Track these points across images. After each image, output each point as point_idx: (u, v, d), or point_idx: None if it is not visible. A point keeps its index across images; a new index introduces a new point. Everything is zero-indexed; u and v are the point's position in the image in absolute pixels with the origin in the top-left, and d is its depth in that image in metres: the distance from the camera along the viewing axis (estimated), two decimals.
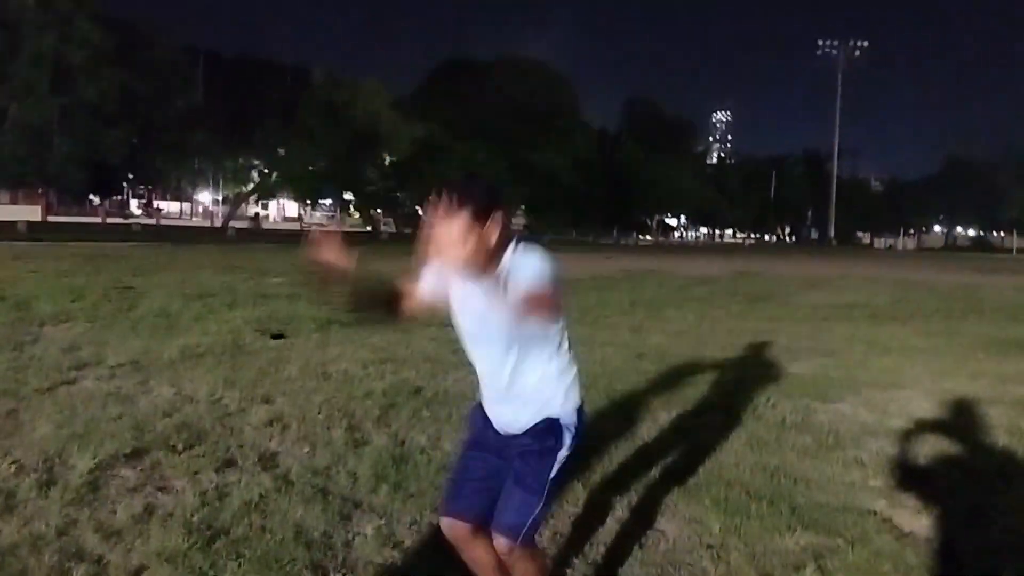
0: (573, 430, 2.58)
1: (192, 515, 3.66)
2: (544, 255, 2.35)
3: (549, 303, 2.26)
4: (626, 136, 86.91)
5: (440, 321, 10.36)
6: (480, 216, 2.30)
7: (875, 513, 4.02)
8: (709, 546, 3.54)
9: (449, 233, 2.30)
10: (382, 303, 2.68)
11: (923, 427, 5.74)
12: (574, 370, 2.62)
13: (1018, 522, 3.95)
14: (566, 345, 2.59)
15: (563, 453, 2.56)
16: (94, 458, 4.33)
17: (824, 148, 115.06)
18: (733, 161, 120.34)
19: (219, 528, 3.52)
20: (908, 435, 5.52)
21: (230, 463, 4.43)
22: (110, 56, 35.15)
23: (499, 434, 2.62)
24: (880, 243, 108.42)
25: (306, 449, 4.74)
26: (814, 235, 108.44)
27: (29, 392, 5.83)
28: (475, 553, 2.64)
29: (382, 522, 3.67)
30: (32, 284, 12.65)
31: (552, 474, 2.55)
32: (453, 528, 2.62)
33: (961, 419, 6.04)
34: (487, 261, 2.35)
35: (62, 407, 5.47)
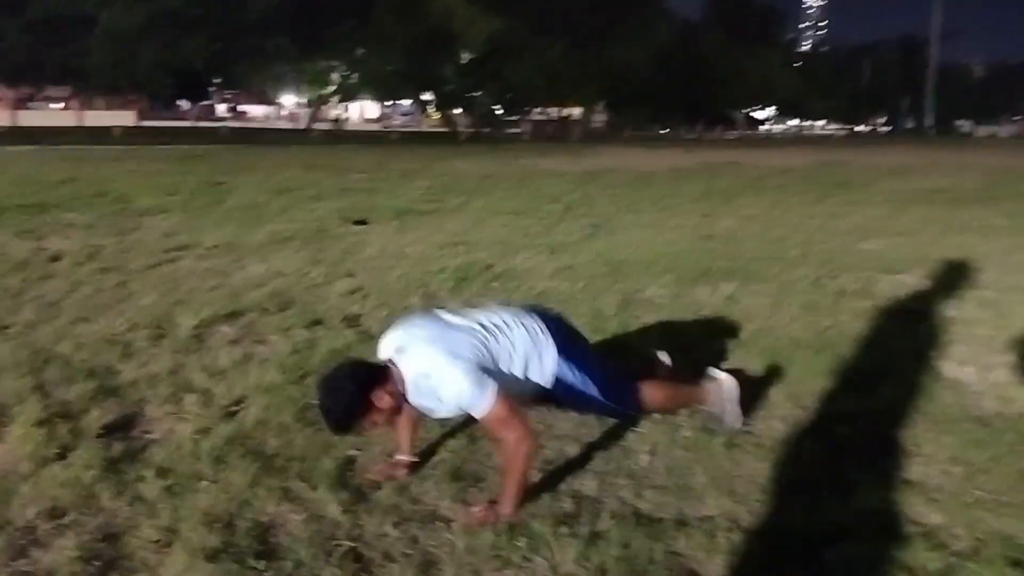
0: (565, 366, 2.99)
1: (286, 359, 4.11)
2: (435, 364, 2.61)
3: (505, 417, 2.57)
4: (711, 25, 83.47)
5: (513, 209, 10.73)
6: (366, 409, 2.59)
7: (922, 363, 4.19)
8: (752, 393, 3.80)
9: (367, 431, 2.79)
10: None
11: (985, 293, 5.80)
12: (533, 348, 2.94)
13: None
14: (516, 349, 2.88)
15: (573, 377, 3.00)
16: (197, 317, 4.83)
17: (923, 32, 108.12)
18: (826, 49, 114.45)
19: (309, 369, 3.95)
20: (969, 300, 5.61)
21: (317, 322, 4.88)
22: None
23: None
24: (982, 131, 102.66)
25: (385, 312, 5.14)
26: (910, 124, 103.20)
27: (135, 268, 6.42)
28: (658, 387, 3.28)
29: None
30: (131, 182, 13.42)
31: (583, 388, 3.02)
32: None
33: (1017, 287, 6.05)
34: (399, 408, 2.70)
35: (165, 280, 6.03)
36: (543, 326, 3.00)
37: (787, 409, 3.55)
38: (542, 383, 2.95)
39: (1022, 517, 2.61)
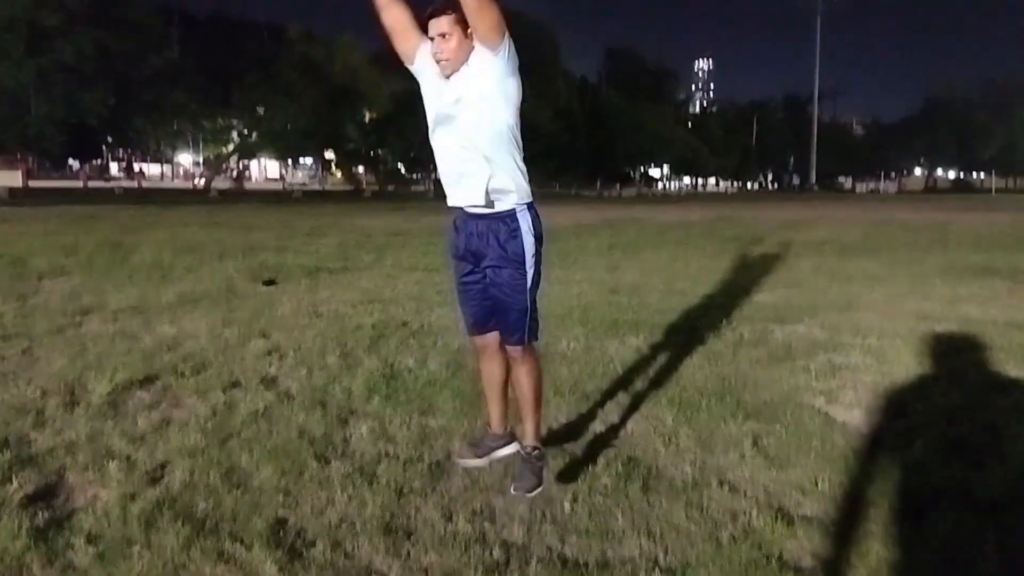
0: (531, 226, 3.11)
1: (206, 423, 4.12)
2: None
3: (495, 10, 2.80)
4: (607, 85, 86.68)
5: (425, 266, 10.87)
6: (461, 22, 2.88)
7: (813, 407, 4.53)
8: (662, 433, 4.04)
9: (439, 31, 2.91)
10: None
11: (868, 340, 6.26)
12: (523, 170, 3.12)
13: (937, 413, 4.47)
14: (516, 148, 3.09)
15: (530, 260, 3.09)
16: (111, 382, 4.77)
17: (805, 92, 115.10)
18: (715, 109, 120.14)
19: (230, 431, 3.98)
20: (853, 347, 6.04)
21: (235, 384, 4.88)
22: (85, 16, 34.78)
23: (466, 226, 3.13)
24: (862, 187, 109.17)
25: (303, 372, 5.19)
26: (796, 181, 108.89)
27: (40, 334, 6.24)
28: (490, 366, 3.30)
29: (375, 423, 4.14)
30: (24, 243, 12.96)
31: (529, 282, 3.10)
32: (482, 340, 3.27)
33: (905, 333, 6.54)
34: (459, 58, 2.94)
35: (73, 344, 5.89)
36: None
37: (695, 453, 3.78)
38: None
39: (910, 548, 2.87)
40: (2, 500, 3.13)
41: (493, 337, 3.23)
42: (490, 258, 3.08)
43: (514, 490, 3.14)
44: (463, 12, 2.81)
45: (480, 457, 3.34)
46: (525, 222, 3.08)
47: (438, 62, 2.97)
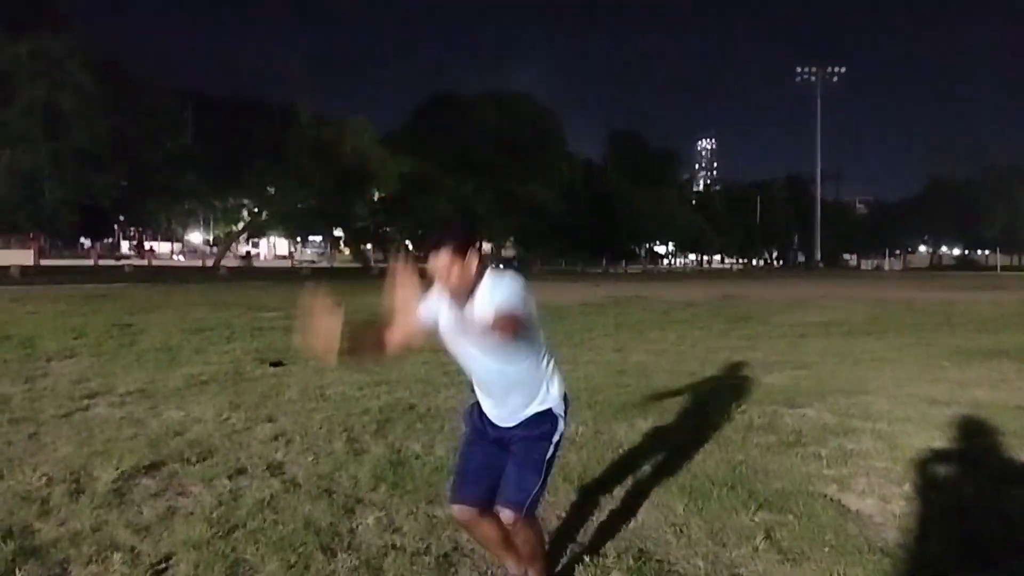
0: (563, 414, 3.11)
1: (211, 512, 4.08)
2: (513, 277, 2.90)
3: (515, 322, 2.73)
4: (611, 167, 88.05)
5: (432, 346, 10.86)
6: (460, 250, 2.85)
7: (825, 496, 4.47)
8: (673, 524, 3.98)
9: (437, 264, 2.86)
10: (374, 343, 3.10)
11: (879, 425, 6.21)
12: (554, 364, 3.11)
13: (950, 505, 4.41)
14: (543, 347, 3.07)
15: (556, 436, 3.08)
16: (116, 469, 4.74)
17: (807, 172, 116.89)
18: (719, 188, 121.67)
19: (236, 522, 3.94)
20: (864, 432, 5.99)
21: (241, 471, 4.85)
22: (101, 101, 35.74)
23: (496, 426, 3.10)
24: (867, 264, 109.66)
25: (310, 458, 5.16)
26: (801, 258, 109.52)
27: (47, 418, 6.24)
28: (483, 531, 3.11)
29: (382, 513, 4.10)
30: (33, 324, 13.04)
31: (548, 455, 3.04)
32: (462, 512, 3.07)
33: (916, 418, 6.49)
34: (468, 287, 2.90)
35: (80, 429, 5.88)
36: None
37: (708, 546, 3.72)
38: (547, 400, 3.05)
39: None
40: None
41: (474, 510, 3.05)
42: (518, 436, 3.07)
43: None
44: (455, 240, 2.85)
45: None
46: (560, 415, 3.09)
47: (446, 291, 2.96)
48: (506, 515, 2.95)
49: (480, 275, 2.90)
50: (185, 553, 3.55)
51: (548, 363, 3.09)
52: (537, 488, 2.99)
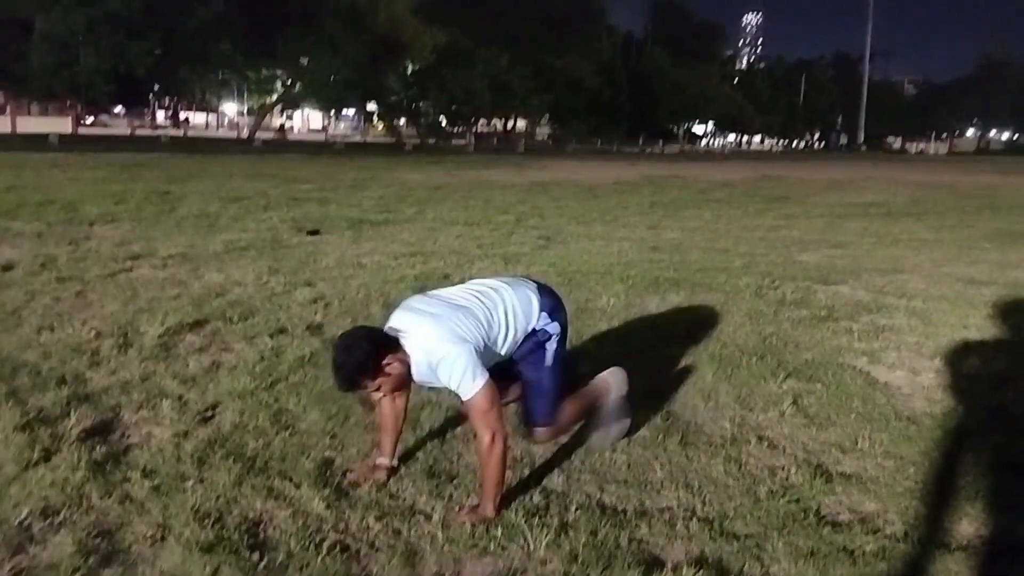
0: (549, 323, 3.06)
1: (254, 366, 4.23)
2: (440, 344, 2.70)
3: (487, 405, 2.69)
4: (652, 41, 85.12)
5: (465, 220, 10.93)
6: (375, 372, 2.69)
7: (855, 367, 4.51)
8: (701, 389, 4.07)
9: (371, 395, 2.89)
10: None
11: (913, 302, 6.19)
12: (527, 297, 3.05)
13: (981, 379, 4.44)
14: (508, 307, 2.98)
15: (551, 344, 3.07)
16: (162, 326, 4.90)
17: (856, 50, 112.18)
18: (763, 65, 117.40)
19: (278, 376, 4.09)
20: (897, 309, 5.97)
21: (282, 330, 4.99)
22: None
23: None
24: (912, 148, 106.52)
25: (348, 320, 5.27)
26: (844, 140, 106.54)
27: (92, 277, 6.42)
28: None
29: None
30: (74, 190, 13.23)
31: (549, 362, 3.06)
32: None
33: (952, 296, 6.45)
34: (404, 379, 2.81)
35: (124, 289, 6.05)
36: (536, 289, 3.13)
37: (735, 410, 3.80)
38: (530, 327, 3.04)
39: (948, 504, 2.89)
40: (62, 434, 3.26)
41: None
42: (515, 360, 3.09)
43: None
44: (365, 370, 2.68)
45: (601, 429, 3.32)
46: (544, 327, 3.06)
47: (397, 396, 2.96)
48: (540, 433, 3.09)
49: (405, 357, 2.75)
50: (231, 402, 3.71)
51: (520, 315, 3.00)
52: (554, 396, 3.05)
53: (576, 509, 2.80)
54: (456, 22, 56.55)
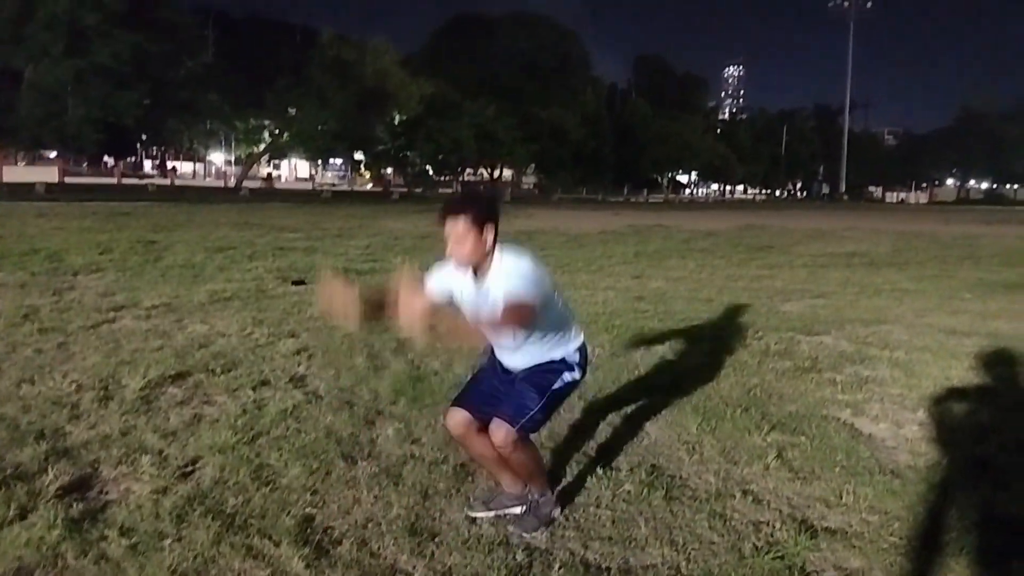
0: (577, 363, 3.13)
1: (236, 420, 4.19)
2: (524, 258, 2.89)
3: (524, 312, 2.74)
4: (636, 92, 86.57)
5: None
6: (479, 222, 2.82)
7: (838, 419, 4.52)
8: (686, 442, 4.06)
9: (454, 231, 2.83)
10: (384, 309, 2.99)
11: (896, 353, 6.22)
12: (572, 323, 3.14)
13: (965, 430, 4.45)
14: (560, 304, 3.10)
15: (567, 375, 3.10)
16: (143, 378, 4.86)
17: (836, 102, 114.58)
18: (745, 116, 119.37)
19: (260, 430, 4.05)
20: (881, 360, 6.00)
21: (264, 383, 4.96)
22: (123, 17, 35.35)
23: (508, 369, 3.15)
24: (892, 197, 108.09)
25: (331, 372, 5.26)
26: (825, 190, 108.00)
27: (75, 329, 6.37)
28: (476, 447, 3.13)
29: (401, 425, 4.19)
30: (60, 239, 13.19)
31: (555, 386, 3.06)
32: (458, 421, 3.10)
33: (934, 347, 6.49)
34: (482, 259, 2.89)
35: (107, 340, 6.01)
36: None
37: (719, 463, 3.79)
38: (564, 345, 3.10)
39: (934, 561, 2.87)
40: (38, 490, 3.21)
41: (470, 419, 3.09)
42: (526, 372, 3.10)
43: (512, 528, 3.08)
44: (476, 210, 2.82)
45: (491, 510, 3.22)
46: (574, 363, 3.12)
47: (456, 262, 2.94)
48: (499, 432, 2.93)
49: (493, 251, 2.89)
50: (211, 457, 3.67)
51: (564, 324, 3.11)
52: (535, 410, 2.98)
53: (560, 568, 2.77)
54: (443, 73, 57.46)
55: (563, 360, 3.09)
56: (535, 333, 2.99)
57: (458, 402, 3.16)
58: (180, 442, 3.87)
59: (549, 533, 3.05)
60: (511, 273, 2.82)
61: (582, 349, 3.15)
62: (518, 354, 3.08)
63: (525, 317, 2.75)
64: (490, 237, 2.85)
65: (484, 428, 3.04)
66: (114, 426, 4.06)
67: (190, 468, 3.56)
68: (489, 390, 3.13)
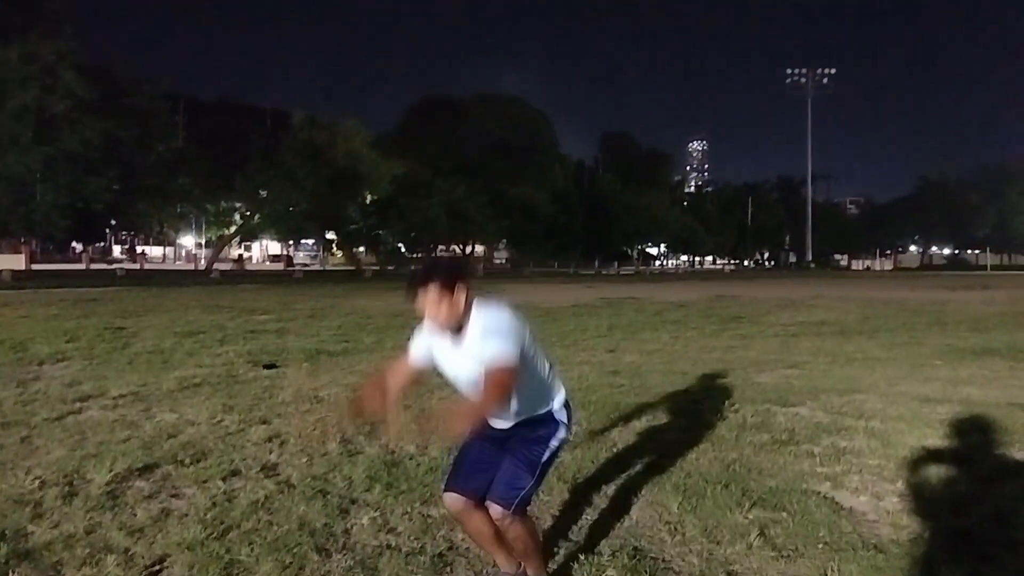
0: (565, 420, 3.16)
1: (205, 514, 4.07)
2: (502, 313, 2.94)
3: (505, 381, 2.76)
4: (603, 169, 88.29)
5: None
6: (448, 287, 2.87)
7: (819, 493, 4.48)
8: (668, 522, 3.99)
9: (426, 301, 2.88)
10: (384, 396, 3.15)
11: (872, 423, 6.23)
12: (554, 376, 3.17)
13: (944, 502, 4.44)
14: (541, 361, 3.11)
15: (554, 442, 3.12)
16: (110, 472, 4.72)
17: (798, 174, 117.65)
18: (710, 189, 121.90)
19: (231, 523, 3.93)
20: (857, 431, 6.01)
21: (235, 473, 4.84)
22: (92, 105, 35.64)
23: (494, 428, 3.12)
24: (858, 264, 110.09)
25: (304, 459, 5.15)
26: (792, 259, 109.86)
27: (39, 421, 6.21)
28: (475, 524, 3.12)
29: (377, 514, 4.09)
30: (25, 328, 12.99)
31: (544, 458, 3.08)
32: (455, 502, 3.10)
33: (908, 416, 6.52)
34: (458, 322, 2.93)
35: (72, 432, 5.85)
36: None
37: (702, 544, 3.73)
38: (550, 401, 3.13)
39: None
40: None
41: (467, 500, 3.08)
42: (517, 435, 3.10)
43: None
44: (443, 275, 2.87)
45: None
46: (561, 420, 3.14)
47: (436, 327, 2.98)
48: (495, 510, 2.97)
49: (468, 308, 2.93)
50: (179, 554, 3.55)
51: (547, 377, 3.14)
52: (529, 487, 3.01)
53: None
54: (413, 154, 58.29)
55: (550, 414, 3.10)
56: (519, 388, 2.95)
57: (452, 482, 3.14)
58: (147, 539, 3.74)
59: None
60: (488, 328, 2.86)
61: (567, 404, 3.19)
62: (505, 417, 3.07)
63: (507, 386, 2.76)
64: (462, 296, 2.89)
65: (480, 502, 3.04)
66: (79, 524, 3.92)
67: (157, 567, 3.43)
68: (481, 458, 3.11)
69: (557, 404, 3.13)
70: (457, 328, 2.93)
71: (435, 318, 2.90)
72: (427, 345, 3.09)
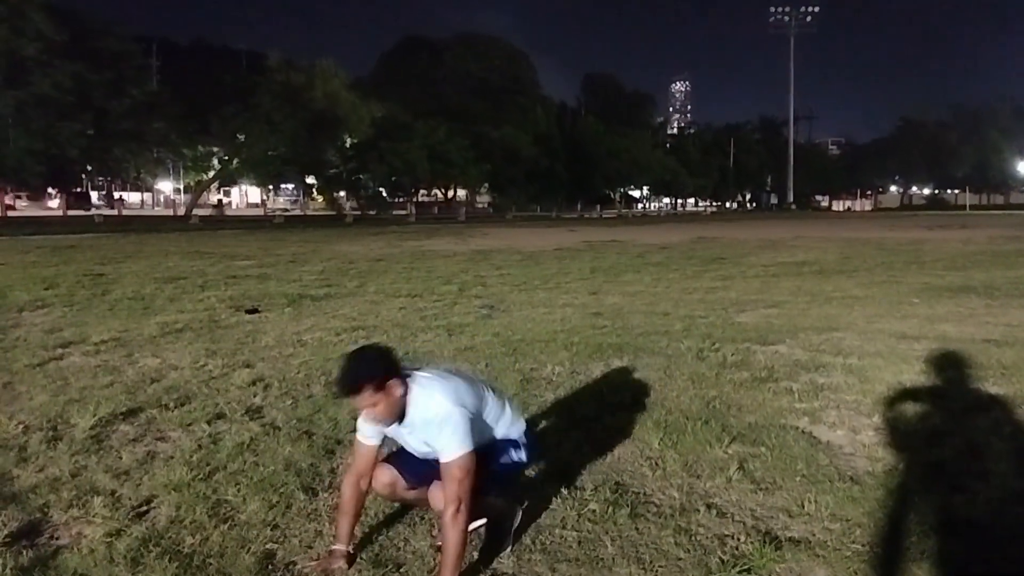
0: (525, 444, 3.13)
1: (191, 456, 4.10)
2: (439, 401, 2.78)
3: (464, 469, 2.71)
4: (586, 110, 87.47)
5: (408, 292, 10.90)
6: (380, 386, 2.72)
7: (797, 428, 4.57)
8: (649, 457, 4.06)
9: (362, 406, 2.78)
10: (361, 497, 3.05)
11: (849, 360, 6.32)
12: (505, 411, 3.08)
13: (919, 435, 4.54)
14: (496, 410, 3.04)
15: (515, 455, 3.09)
16: (94, 416, 4.73)
17: (780, 115, 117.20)
18: (692, 131, 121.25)
19: (217, 465, 3.96)
20: (835, 367, 6.10)
21: (220, 416, 4.86)
22: (63, 48, 34.78)
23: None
24: (838, 205, 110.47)
25: (289, 402, 5.17)
26: (774, 200, 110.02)
27: (20, 368, 6.18)
28: (406, 499, 3.14)
29: None
30: (3, 275, 12.85)
31: (500, 471, 3.04)
32: (380, 475, 3.02)
33: (885, 352, 6.62)
34: (398, 413, 2.82)
35: (55, 378, 5.84)
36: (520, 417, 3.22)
37: (683, 478, 3.80)
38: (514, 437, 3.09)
39: (896, 567, 2.91)
40: None
41: (396, 478, 3.03)
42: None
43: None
44: (370, 377, 2.72)
45: None
46: (519, 442, 3.12)
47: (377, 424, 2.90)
48: (437, 491, 2.84)
49: (406, 395, 2.81)
50: (166, 495, 3.58)
51: (505, 422, 3.07)
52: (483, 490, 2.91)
53: None
54: (393, 96, 57.44)
55: (510, 441, 3.08)
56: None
57: (388, 460, 3.07)
58: (133, 481, 3.77)
59: (516, 556, 3.02)
60: (430, 421, 2.77)
61: (527, 433, 3.16)
62: None
63: (467, 472, 2.72)
64: (397, 390, 2.76)
65: (414, 487, 3.02)
66: (64, 468, 3.94)
67: (144, 508, 3.46)
68: (423, 457, 2.98)
69: (515, 434, 3.10)
70: (400, 417, 2.84)
71: (373, 417, 2.81)
72: (375, 429, 2.97)
